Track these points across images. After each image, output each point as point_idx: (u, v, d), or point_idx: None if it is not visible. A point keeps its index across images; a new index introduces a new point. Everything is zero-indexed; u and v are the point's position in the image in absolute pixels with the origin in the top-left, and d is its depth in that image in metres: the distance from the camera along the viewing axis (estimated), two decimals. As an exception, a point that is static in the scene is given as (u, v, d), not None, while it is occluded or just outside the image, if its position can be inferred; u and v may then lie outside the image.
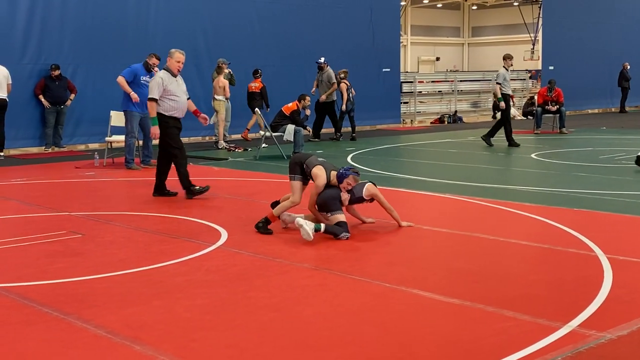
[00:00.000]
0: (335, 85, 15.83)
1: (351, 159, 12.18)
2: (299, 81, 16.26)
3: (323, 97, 15.74)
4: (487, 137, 14.21)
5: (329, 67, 15.89)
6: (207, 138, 16.01)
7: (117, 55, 14.46)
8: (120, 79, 11.05)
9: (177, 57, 8.46)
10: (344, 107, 15.97)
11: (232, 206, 8.08)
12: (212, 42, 16.09)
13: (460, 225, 6.89)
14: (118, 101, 11.48)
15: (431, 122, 21.98)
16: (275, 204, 6.92)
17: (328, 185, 6.51)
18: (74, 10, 14.32)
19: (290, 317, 4.28)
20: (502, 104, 13.98)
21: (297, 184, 6.68)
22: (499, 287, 4.86)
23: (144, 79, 11.13)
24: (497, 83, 14.13)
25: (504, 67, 14.09)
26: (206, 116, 9.01)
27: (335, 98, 15.98)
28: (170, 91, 8.39)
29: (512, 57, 14.47)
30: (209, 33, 16.08)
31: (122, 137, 11.45)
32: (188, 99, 8.75)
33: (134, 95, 10.96)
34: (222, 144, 14.18)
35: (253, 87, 15.76)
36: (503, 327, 4.04)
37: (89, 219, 7.31)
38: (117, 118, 11.76)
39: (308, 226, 6.12)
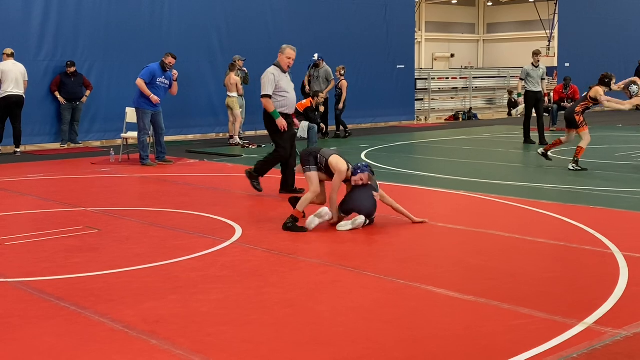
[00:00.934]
0: (334, 82, 15.67)
1: (365, 155, 12.18)
2: (313, 78, 16.22)
3: (323, 94, 15.52)
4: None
5: (325, 63, 15.65)
6: (221, 135, 16.06)
7: (132, 52, 14.54)
8: (140, 82, 11.01)
9: (288, 53, 8.35)
10: (340, 105, 15.85)
11: (246, 202, 8.10)
12: (226, 40, 16.10)
13: (475, 222, 6.87)
14: (133, 98, 11.51)
15: (446, 119, 21.93)
16: (292, 200, 6.91)
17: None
18: (89, 7, 14.39)
19: (304, 313, 4.30)
20: (520, 100, 13.94)
21: (313, 174, 6.68)
22: (514, 284, 4.85)
23: (159, 80, 11.15)
24: (520, 79, 14.08)
25: (532, 63, 14.00)
26: (298, 122, 8.97)
27: (327, 96, 15.79)
28: (280, 87, 8.31)
29: (540, 53, 14.37)
30: (223, 30, 16.10)
31: (136, 134, 11.48)
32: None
33: (154, 98, 10.97)
34: (236, 139, 14.21)
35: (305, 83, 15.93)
36: (518, 325, 4.03)
37: (105, 214, 7.36)
38: (132, 114, 11.80)
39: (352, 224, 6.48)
